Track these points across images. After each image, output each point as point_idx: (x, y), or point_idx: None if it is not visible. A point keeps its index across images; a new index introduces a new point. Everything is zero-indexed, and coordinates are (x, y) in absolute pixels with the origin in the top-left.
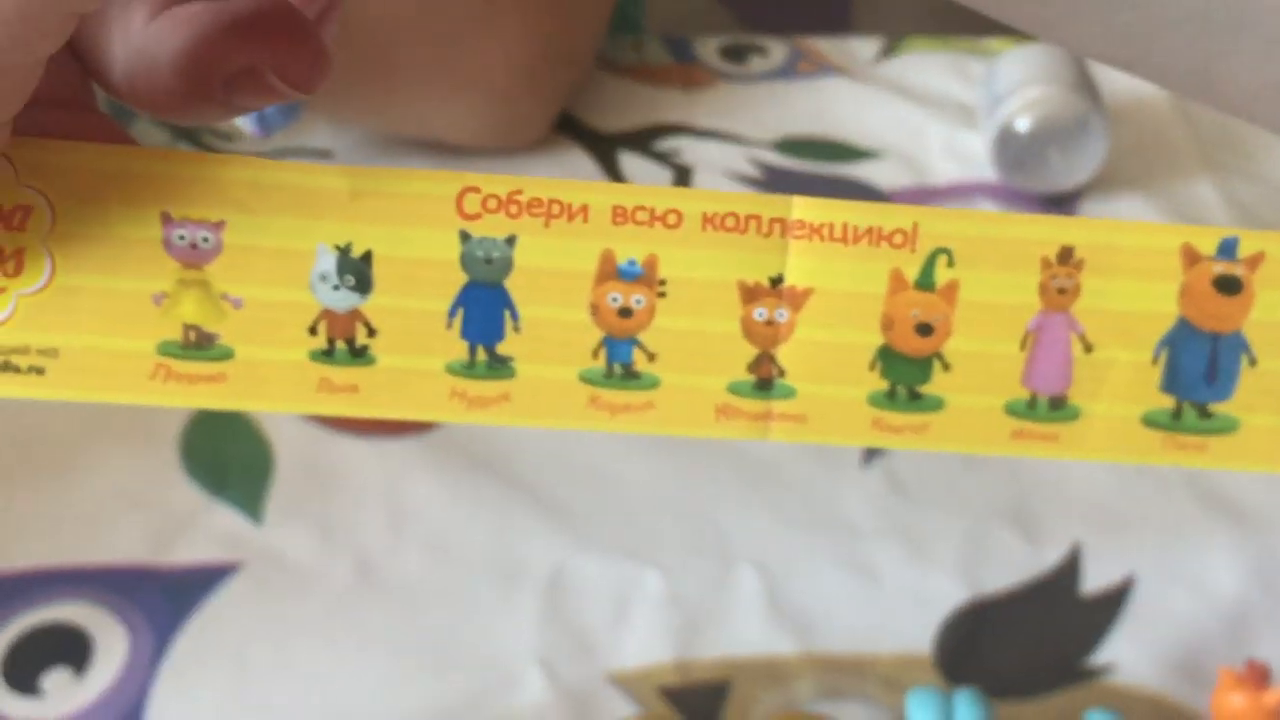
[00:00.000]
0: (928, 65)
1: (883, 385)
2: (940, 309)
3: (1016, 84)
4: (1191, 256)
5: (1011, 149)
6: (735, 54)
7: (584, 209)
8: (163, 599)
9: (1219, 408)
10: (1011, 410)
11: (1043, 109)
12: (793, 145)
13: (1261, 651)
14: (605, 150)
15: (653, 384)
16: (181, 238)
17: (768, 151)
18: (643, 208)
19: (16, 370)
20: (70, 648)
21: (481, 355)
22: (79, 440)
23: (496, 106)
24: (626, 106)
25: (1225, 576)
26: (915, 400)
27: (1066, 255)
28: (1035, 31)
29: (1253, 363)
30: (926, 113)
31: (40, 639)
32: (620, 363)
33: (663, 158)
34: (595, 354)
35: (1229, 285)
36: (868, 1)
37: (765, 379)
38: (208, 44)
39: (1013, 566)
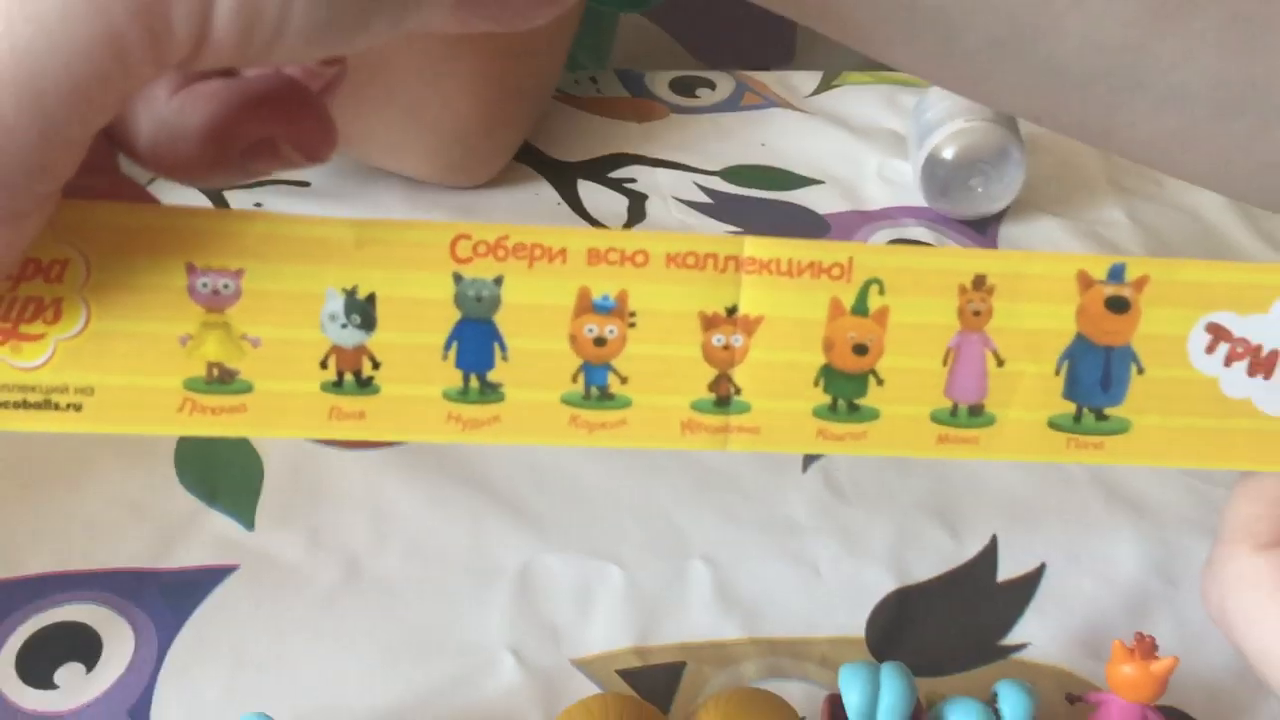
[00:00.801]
0: (863, 98)
1: (825, 399)
2: (873, 331)
3: (943, 116)
4: (1086, 281)
5: (938, 176)
6: (685, 87)
7: (563, 251)
8: (164, 599)
9: (1113, 411)
10: (936, 418)
11: (966, 139)
12: (739, 173)
13: (1157, 629)
14: (565, 179)
15: (625, 404)
16: (204, 285)
17: (716, 179)
18: (614, 249)
19: (56, 408)
20: (81, 645)
21: (474, 382)
22: (83, 456)
23: (453, 148)
24: (584, 137)
25: (1126, 563)
26: (854, 411)
27: (980, 282)
28: (957, 90)
29: (1141, 371)
30: (861, 142)
31: (53, 637)
32: (597, 386)
33: (618, 185)
34: (575, 379)
35: (1119, 305)
36: (809, 38)
37: (724, 397)
38: (228, 118)
39: (937, 557)
